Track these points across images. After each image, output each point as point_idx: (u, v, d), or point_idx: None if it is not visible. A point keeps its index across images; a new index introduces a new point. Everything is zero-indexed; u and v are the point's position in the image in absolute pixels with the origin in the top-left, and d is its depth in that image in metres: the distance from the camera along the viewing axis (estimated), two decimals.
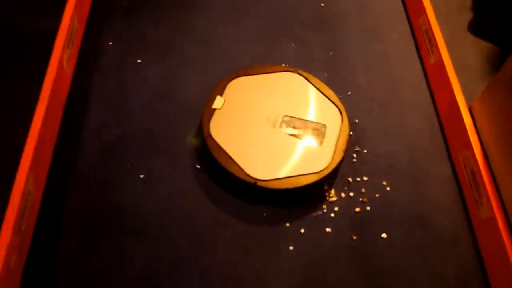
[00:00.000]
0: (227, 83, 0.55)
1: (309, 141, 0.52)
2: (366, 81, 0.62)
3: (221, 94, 0.54)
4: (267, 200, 0.51)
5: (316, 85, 0.56)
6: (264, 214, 0.50)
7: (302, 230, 0.49)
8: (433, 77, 0.62)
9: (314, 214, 0.51)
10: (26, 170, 0.46)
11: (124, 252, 0.47)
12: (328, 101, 0.55)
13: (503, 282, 0.46)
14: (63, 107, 0.56)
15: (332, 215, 0.51)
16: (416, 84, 0.62)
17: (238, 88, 0.55)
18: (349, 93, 0.60)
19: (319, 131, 0.53)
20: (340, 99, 0.59)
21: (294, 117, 0.53)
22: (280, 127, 0.52)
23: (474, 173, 0.52)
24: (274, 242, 0.49)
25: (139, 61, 0.60)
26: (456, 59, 0.64)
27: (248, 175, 0.49)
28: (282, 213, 0.50)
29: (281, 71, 0.57)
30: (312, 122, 0.53)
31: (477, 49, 0.66)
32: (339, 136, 0.53)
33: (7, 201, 0.44)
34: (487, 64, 0.54)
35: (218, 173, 0.51)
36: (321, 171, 0.50)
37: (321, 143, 0.52)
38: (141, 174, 0.52)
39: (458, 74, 0.58)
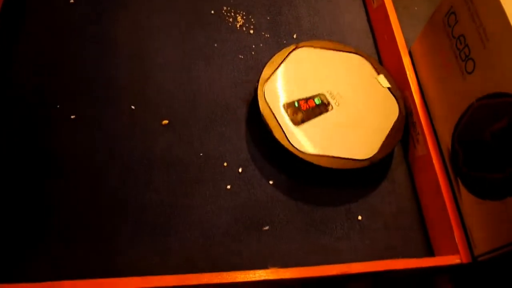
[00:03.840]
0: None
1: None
2: (311, 25, 0.61)
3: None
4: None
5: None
6: (201, 154, 0.49)
7: (240, 170, 0.49)
8: (376, 21, 0.62)
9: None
10: None
11: (55, 195, 0.45)
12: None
13: (435, 215, 0.48)
14: None
15: None
16: (359, 28, 0.62)
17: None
18: (294, 36, 0.59)
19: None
20: (285, 43, 0.58)
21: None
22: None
23: (412, 113, 0.53)
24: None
25: (71, 1, 0.57)
26: (401, 6, 0.64)
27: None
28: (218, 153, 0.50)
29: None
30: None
31: None
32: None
33: None
34: (432, 9, 0.54)
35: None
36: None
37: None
38: (72, 115, 0.49)
39: (403, 20, 0.58)
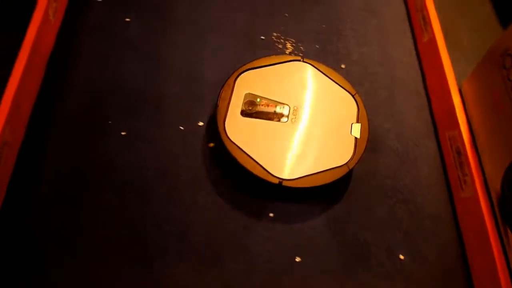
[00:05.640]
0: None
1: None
2: (359, 55, 0.61)
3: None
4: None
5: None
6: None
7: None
8: (425, 56, 0.61)
9: None
10: (3, 119, 0.45)
11: (103, 209, 0.46)
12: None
13: (481, 261, 0.46)
14: (46, 59, 0.54)
15: None
16: (407, 61, 0.62)
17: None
18: (342, 66, 0.59)
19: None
20: None
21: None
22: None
23: (460, 152, 0.52)
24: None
25: (127, 19, 0.59)
26: (451, 39, 0.63)
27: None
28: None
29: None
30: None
31: (474, 29, 0.66)
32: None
33: None
34: (484, 46, 0.53)
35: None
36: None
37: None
38: (123, 131, 0.51)
39: (452, 54, 0.58)
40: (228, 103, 0.50)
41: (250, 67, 0.53)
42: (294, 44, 0.60)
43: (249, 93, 0.51)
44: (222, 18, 0.61)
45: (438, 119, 0.57)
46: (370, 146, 0.53)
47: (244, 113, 0.50)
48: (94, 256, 0.44)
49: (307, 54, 0.59)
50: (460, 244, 0.49)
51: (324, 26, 0.62)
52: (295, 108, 0.50)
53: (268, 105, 0.50)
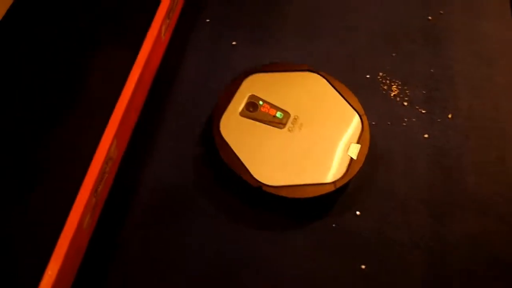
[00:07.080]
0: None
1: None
2: (467, 105, 0.57)
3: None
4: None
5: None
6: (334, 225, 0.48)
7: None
8: None
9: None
10: (112, 134, 0.46)
11: (193, 238, 0.46)
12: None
13: None
14: (153, 76, 0.55)
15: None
16: None
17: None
18: (449, 115, 0.56)
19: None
20: (439, 121, 0.55)
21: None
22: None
23: None
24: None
25: (234, 43, 0.59)
26: None
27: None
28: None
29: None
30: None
31: None
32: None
33: (89, 162, 0.44)
34: None
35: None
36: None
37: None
38: None
39: None
40: (229, 101, 0.50)
41: (261, 70, 0.53)
42: (399, 87, 0.57)
43: (252, 95, 0.51)
44: (328, 52, 0.60)
45: None
46: (477, 209, 0.50)
47: (243, 114, 0.49)
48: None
49: (413, 99, 0.56)
50: None
51: (432, 70, 0.59)
52: (295, 117, 0.50)
53: (268, 110, 0.50)
